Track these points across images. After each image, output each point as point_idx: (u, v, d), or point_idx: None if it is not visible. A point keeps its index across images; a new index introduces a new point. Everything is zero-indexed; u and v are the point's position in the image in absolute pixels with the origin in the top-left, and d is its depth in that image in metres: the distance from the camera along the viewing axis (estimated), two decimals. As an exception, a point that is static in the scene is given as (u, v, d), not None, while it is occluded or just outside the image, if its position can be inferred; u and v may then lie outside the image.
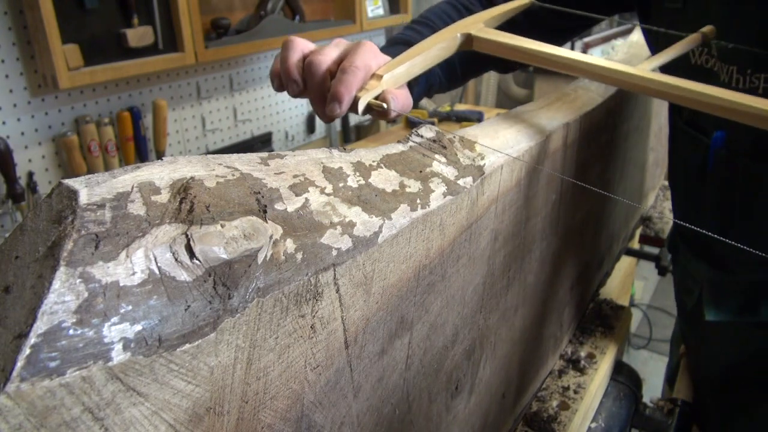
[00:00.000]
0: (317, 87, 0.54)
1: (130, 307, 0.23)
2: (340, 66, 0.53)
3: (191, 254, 0.25)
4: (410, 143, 0.46)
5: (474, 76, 0.86)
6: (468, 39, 0.61)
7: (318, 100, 0.55)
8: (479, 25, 0.62)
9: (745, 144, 0.66)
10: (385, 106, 0.52)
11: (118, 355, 0.23)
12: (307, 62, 0.55)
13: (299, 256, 0.31)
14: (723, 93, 0.48)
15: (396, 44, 0.71)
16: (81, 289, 0.22)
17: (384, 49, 0.64)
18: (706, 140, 0.70)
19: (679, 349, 1.02)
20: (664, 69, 0.61)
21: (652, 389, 1.15)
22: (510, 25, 0.62)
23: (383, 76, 0.54)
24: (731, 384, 0.79)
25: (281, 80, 0.57)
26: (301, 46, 0.56)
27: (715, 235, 0.45)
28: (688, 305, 0.85)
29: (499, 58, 0.84)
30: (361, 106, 0.52)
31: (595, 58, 0.55)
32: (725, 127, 0.68)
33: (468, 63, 0.79)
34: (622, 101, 0.86)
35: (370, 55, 0.54)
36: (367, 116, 2.20)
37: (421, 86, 0.71)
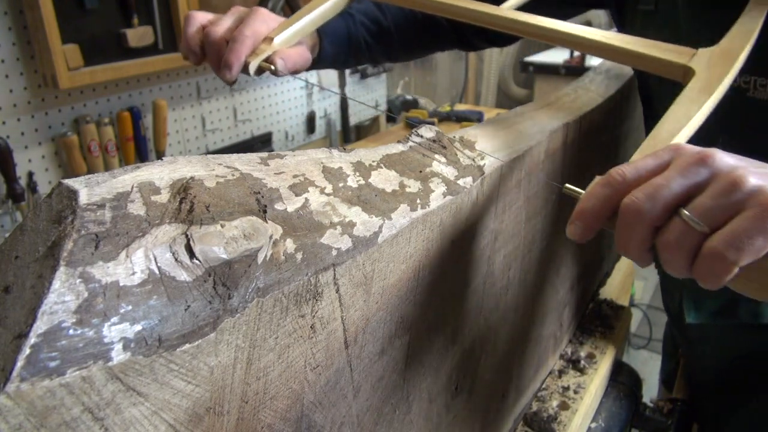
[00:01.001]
0: (214, 55, 0.61)
1: (130, 307, 0.23)
2: (232, 35, 0.60)
3: (191, 254, 0.25)
4: (410, 143, 0.46)
5: (425, 49, 0.89)
6: None
7: (216, 66, 0.61)
8: None
9: (714, 145, 0.66)
10: (272, 67, 0.59)
11: (118, 355, 0.23)
12: (204, 33, 0.62)
13: (299, 256, 0.31)
14: (550, 23, 0.54)
15: None
16: (81, 289, 0.22)
17: None
18: None
19: (671, 351, 1.02)
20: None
21: (652, 389, 1.14)
22: None
23: (273, 39, 0.60)
24: (724, 386, 0.79)
25: (185, 51, 0.64)
26: (200, 18, 0.64)
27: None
28: (672, 309, 0.85)
29: (457, 32, 0.86)
30: (251, 69, 0.59)
31: (477, 3, 0.59)
32: (697, 133, 0.68)
33: (409, 31, 0.81)
34: (622, 101, 0.86)
35: (258, 22, 0.61)
36: (369, 116, 2.18)
37: (340, 47, 0.74)
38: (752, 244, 0.29)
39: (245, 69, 0.59)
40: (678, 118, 0.42)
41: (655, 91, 0.75)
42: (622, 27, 0.78)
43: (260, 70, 0.60)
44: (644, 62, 0.50)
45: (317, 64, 0.72)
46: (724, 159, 0.32)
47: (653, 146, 0.40)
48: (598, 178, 0.36)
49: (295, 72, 0.63)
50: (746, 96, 0.60)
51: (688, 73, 0.48)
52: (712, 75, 0.46)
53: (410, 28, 0.80)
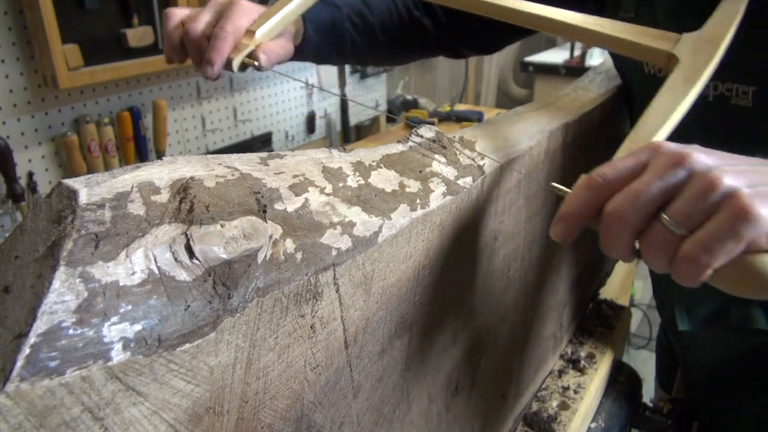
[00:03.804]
0: (195, 52, 0.59)
1: (129, 307, 0.23)
2: (213, 31, 0.58)
3: (191, 254, 0.25)
4: (410, 143, 0.46)
5: (410, 53, 0.86)
6: None
7: (198, 63, 0.60)
8: None
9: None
10: (256, 63, 0.57)
11: (117, 355, 0.23)
12: (183, 30, 0.60)
13: (299, 255, 0.31)
14: (538, 9, 0.54)
15: None
16: (81, 288, 0.22)
17: None
18: None
19: (666, 353, 1.02)
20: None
21: (652, 389, 1.15)
22: None
23: (255, 32, 0.58)
24: (719, 387, 0.79)
25: (167, 51, 0.63)
26: (179, 15, 0.62)
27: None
28: (665, 316, 0.85)
29: (442, 38, 0.84)
30: (234, 67, 0.57)
31: None
32: (680, 139, 0.67)
33: (395, 33, 0.79)
34: (622, 101, 0.86)
35: (239, 15, 0.59)
36: (369, 116, 2.18)
37: (323, 38, 0.72)
38: (723, 247, 0.30)
39: (228, 66, 0.57)
40: (661, 110, 0.42)
41: (636, 88, 0.75)
42: None
43: (243, 66, 0.58)
44: (628, 48, 0.49)
45: (300, 53, 0.70)
46: (701, 159, 0.33)
47: (636, 141, 0.41)
48: (582, 179, 0.36)
49: (278, 64, 0.62)
50: (729, 104, 0.60)
51: (671, 59, 0.47)
52: (695, 62, 0.45)
53: (395, 28, 0.79)
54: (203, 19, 0.60)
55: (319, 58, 0.76)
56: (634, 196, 0.33)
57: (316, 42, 0.71)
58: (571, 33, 0.53)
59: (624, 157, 0.36)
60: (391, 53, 0.83)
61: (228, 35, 0.57)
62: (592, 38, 0.51)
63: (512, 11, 0.55)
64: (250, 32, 0.58)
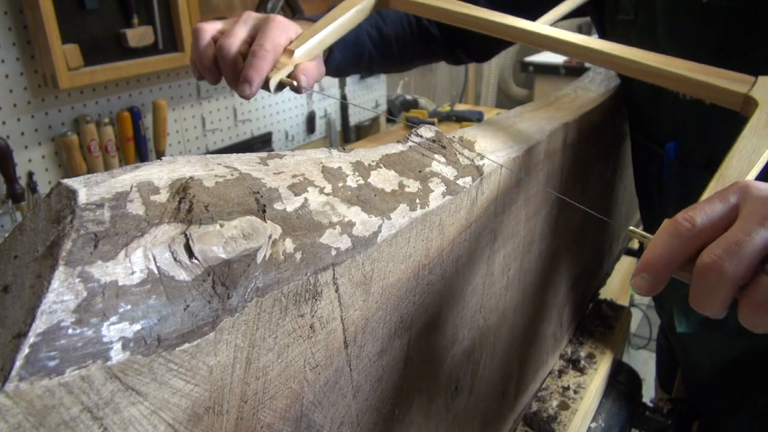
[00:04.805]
0: (230, 70, 0.56)
1: (129, 307, 0.23)
2: (250, 48, 0.54)
3: (190, 254, 0.25)
4: (410, 143, 0.46)
5: (419, 61, 0.86)
6: None
7: (233, 81, 0.56)
8: None
9: (697, 154, 0.66)
10: (295, 83, 0.55)
11: (117, 355, 0.23)
12: (217, 47, 0.56)
13: (298, 255, 0.31)
14: (602, 45, 0.52)
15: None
16: (80, 288, 0.22)
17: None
18: (660, 151, 0.70)
19: (666, 354, 1.02)
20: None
21: (653, 389, 1.15)
22: None
23: (294, 51, 0.55)
24: (719, 387, 0.79)
25: (199, 70, 0.59)
26: (210, 30, 0.58)
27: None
28: (664, 319, 0.86)
29: (446, 47, 0.84)
30: (272, 86, 0.54)
31: (507, 17, 0.56)
32: (678, 138, 0.67)
33: (406, 42, 0.79)
34: (622, 101, 0.86)
35: (278, 32, 0.55)
36: (369, 116, 2.18)
37: (346, 53, 0.71)
38: None
39: (265, 85, 0.54)
40: (746, 154, 0.40)
41: (636, 87, 0.75)
42: (604, 34, 0.78)
43: (281, 86, 0.55)
44: (700, 89, 0.48)
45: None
46: None
47: (722, 185, 0.38)
48: (665, 224, 0.33)
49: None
50: None
51: (749, 102, 0.45)
52: None
53: (407, 37, 0.79)
54: (238, 35, 0.56)
55: (338, 73, 0.75)
56: (734, 246, 0.29)
57: (339, 58, 0.70)
58: (637, 71, 0.50)
59: (709, 199, 0.32)
60: (402, 61, 0.83)
61: (267, 53, 0.54)
62: (659, 77, 0.49)
63: (565, 44, 0.54)
64: (288, 51, 0.55)
